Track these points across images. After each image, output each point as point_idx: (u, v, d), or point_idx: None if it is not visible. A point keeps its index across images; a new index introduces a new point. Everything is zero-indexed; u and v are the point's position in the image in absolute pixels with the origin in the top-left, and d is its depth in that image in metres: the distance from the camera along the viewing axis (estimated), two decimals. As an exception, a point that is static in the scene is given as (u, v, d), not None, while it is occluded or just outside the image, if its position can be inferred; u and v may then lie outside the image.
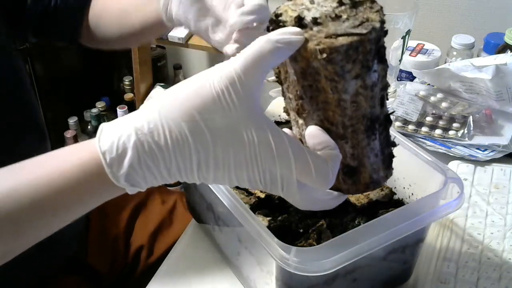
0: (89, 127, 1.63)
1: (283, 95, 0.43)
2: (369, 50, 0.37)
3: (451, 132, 0.74)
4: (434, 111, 0.76)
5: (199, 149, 0.36)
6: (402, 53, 0.83)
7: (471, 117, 0.74)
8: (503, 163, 0.69)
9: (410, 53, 0.89)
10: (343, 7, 0.38)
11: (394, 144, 0.43)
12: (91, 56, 1.68)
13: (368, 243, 0.43)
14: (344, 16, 0.37)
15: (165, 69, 2.05)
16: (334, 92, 0.38)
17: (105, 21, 0.66)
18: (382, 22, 0.37)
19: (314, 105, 0.39)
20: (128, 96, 1.62)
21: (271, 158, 0.36)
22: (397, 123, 0.77)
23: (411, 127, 0.76)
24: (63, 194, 0.37)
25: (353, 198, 0.56)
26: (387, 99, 0.42)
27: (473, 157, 0.70)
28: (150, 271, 0.63)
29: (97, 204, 0.38)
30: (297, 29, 0.37)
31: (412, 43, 0.90)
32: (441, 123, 0.75)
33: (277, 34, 0.36)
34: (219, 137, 0.36)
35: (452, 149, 0.72)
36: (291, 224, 0.53)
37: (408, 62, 0.88)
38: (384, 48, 0.39)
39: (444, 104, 0.76)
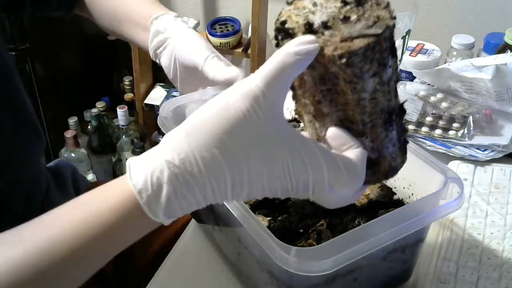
0: (89, 127, 1.63)
1: (296, 99, 0.43)
2: (385, 48, 0.38)
3: (451, 132, 0.74)
4: (434, 111, 0.76)
5: (232, 171, 0.36)
6: (402, 53, 0.83)
7: (471, 117, 0.74)
8: (503, 163, 0.69)
9: (410, 53, 0.89)
10: (348, 7, 0.38)
11: (407, 130, 0.44)
12: (91, 56, 1.68)
13: (368, 243, 0.43)
14: (354, 17, 0.38)
15: (165, 69, 2.04)
16: (353, 93, 0.38)
17: (97, 12, 0.68)
18: (394, 18, 0.38)
19: (333, 107, 0.40)
20: (128, 96, 1.62)
21: (303, 168, 0.37)
22: (397, 123, 0.77)
23: (411, 127, 0.76)
24: (103, 240, 0.36)
25: None
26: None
27: (473, 157, 0.70)
28: (146, 270, 0.63)
29: (135, 240, 0.38)
30: (312, 37, 0.37)
31: (412, 43, 0.90)
32: (441, 123, 0.75)
33: (294, 46, 0.36)
34: (251, 157, 0.36)
35: (452, 149, 0.72)
36: (291, 224, 0.52)
37: (408, 62, 0.88)
38: (395, 41, 0.39)
39: (444, 104, 0.76)
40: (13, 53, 1.40)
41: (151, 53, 0.60)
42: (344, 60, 0.36)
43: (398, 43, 0.81)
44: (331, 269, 0.41)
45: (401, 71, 0.89)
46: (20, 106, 0.65)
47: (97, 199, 0.37)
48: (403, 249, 0.51)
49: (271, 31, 1.67)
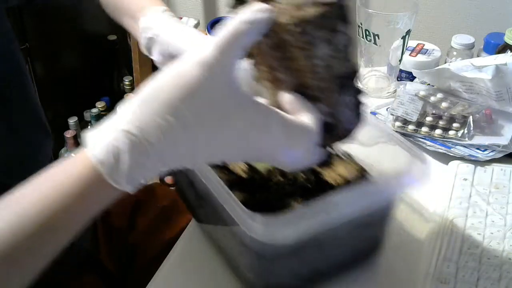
0: (89, 127, 1.63)
1: (254, 67, 0.44)
2: (338, 15, 0.38)
3: (451, 132, 0.74)
4: (434, 111, 0.76)
5: (189, 138, 0.37)
6: (402, 53, 0.83)
7: (471, 117, 0.74)
8: (503, 163, 0.69)
9: (410, 53, 0.89)
10: None
11: (360, 92, 0.45)
12: (91, 56, 1.68)
13: (331, 214, 0.45)
14: None
15: (165, 69, 2.04)
16: (307, 59, 0.39)
17: (103, 0, 0.68)
18: None
19: (288, 73, 0.41)
20: (128, 96, 1.62)
21: (259, 131, 0.38)
22: (397, 123, 0.77)
23: (411, 127, 0.76)
24: (70, 212, 0.37)
25: (330, 178, 0.57)
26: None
27: (473, 157, 0.70)
28: (147, 269, 0.63)
29: (102, 210, 0.39)
30: (266, 6, 0.37)
31: (412, 43, 0.90)
32: (441, 123, 0.75)
33: (248, 14, 0.37)
34: (207, 123, 0.37)
35: (452, 149, 0.72)
36: (268, 201, 0.53)
37: (408, 62, 0.88)
38: (347, 8, 0.40)
39: (444, 104, 0.76)
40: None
41: (142, 49, 0.61)
42: (298, 29, 0.37)
43: (398, 43, 0.81)
44: (295, 237, 0.43)
45: (401, 71, 0.89)
46: (33, 106, 0.65)
47: (60, 173, 0.38)
48: (369, 223, 0.52)
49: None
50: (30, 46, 1.42)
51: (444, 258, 0.56)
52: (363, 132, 0.47)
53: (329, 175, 0.57)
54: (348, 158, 0.60)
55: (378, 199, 0.48)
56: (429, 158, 0.52)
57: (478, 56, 0.92)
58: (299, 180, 0.56)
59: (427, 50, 0.90)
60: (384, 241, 0.58)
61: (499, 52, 0.85)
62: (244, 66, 0.43)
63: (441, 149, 0.72)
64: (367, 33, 0.80)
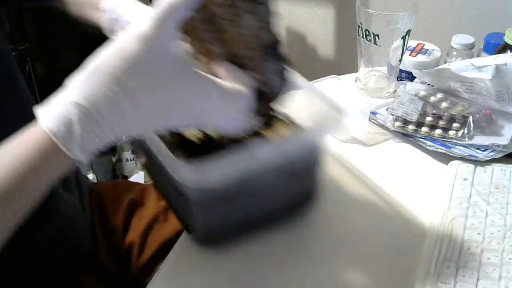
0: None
1: (189, 42, 0.48)
2: None
3: (451, 132, 0.74)
4: (434, 111, 0.76)
5: (134, 106, 0.40)
6: (402, 53, 0.83)
7: (471, 117, 0.74)
8: (503, 163, 0.69)
9: (410, 53, 0.89)
10: None
11: (285, 59, 0.49)
12: (91, 56, 1.68)
13: (253, 160, 0.49)
14: None
15: (165, 69, 2.04)
16: (236, 30, 0.43)
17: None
18: None
19: (220, 45, 0.45)
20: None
21: (197, 97, 0.42)
22: (397, 123, 0.77)
23: (411, 127, 0.76)
24: (27, 181, 0.40)
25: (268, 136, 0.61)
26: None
27: (473, 157, 0.70)
28: (144, 270, 0.63)
29: (58, 177, 0.42)
30: None
31: (412, 43, 0.90)
32: (441, 123, 0.75)
33: None
34: (148, 92, 0.40)
35: (452, 149, 0.72)
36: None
37: (408, 62, 0.88)
38: None
39: (444, 104, 0.76)
40: (13, 53, 1.40)
41: (107, 34, 0.62)
42: (226, 2, 0.41)
43: (398, 43, 0.81)
44: (220, 181, 0.47)
45: (401, 71, 0.89)
46: (28, 104, 0.65)
47: (16, 146, 0.41)
48: (295, 172, 0.56)
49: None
50: (30, 46, 1.42)
51: (444, 258, 0.56)
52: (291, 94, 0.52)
53: (271, 136, 0.60)
54: (287, 119, 0.63)
55: (298, 146, 0.53)
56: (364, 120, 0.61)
57: (478, 56, 0.92)
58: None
59: (427, 50, 0.90)
60: (316, 193, 0.61)
61: (499, 52, 0.85)
62: (180, 41, 0.46)
63: (441, 149, 0.72)
64: (367, 33, 0.80)
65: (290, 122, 0.63)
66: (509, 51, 0.82)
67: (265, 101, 0.49)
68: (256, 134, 0.58)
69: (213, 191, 0.49)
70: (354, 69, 0.89)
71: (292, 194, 0.59)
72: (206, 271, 0.58)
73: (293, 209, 0.61)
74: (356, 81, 0.89)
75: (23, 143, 0.40)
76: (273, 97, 0.49)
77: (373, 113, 0.80)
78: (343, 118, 0.55)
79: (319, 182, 0.60)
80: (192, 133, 0.58)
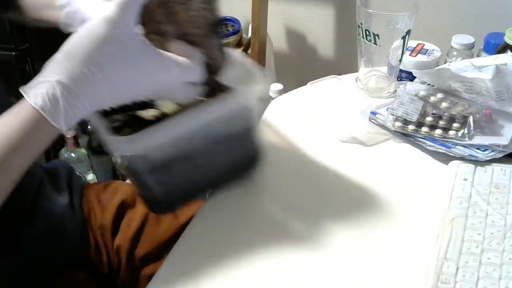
0: (89, 127, 1.63)
1: (144, 25, 0.54)
2: None
3: (451, 132, 0.74)
4: (434, 111, 0.76)
5: (107, 81, 0.46)
6: (402, 53, 0.83)
7: (471, 117, 0.74)
8: (503, 163, 0.69)
9: (410, 53, 0.89)
10: None
11: (222, 36, 0.58)
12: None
13: (184, 127, 0.55)
14: None
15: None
16: (186, 12, 0.51)
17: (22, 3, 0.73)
18: None
19: (173, 26, 0.52)
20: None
21: (162, 72, 0.49)
22: (397, 123, 0.77)
23: (411, 127, 0.76)
24: (18, 151, 0.46)
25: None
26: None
27: (473, 157, 0.70)
28: (132, 274, 0.64)
29: (45, 148, 0.48)
30: None
31: (412, 43, 0.90)
32: (441, 123, 0.75)
33: None
34: (120, 68, 0.46)
35: (452, 149, 0.72)
36: None
37: (408, 62, 0.88)
38: None
39: (444, 104, 0.76)
40: (13, 53, 1.40)
41: (66, 30, 0.66)
42: None
43: (398, 43, 0.81)
44: (153, 150, 0.53)
45: (401, 71, 0.89)
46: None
47: (6, 121, 0.46)
48: (231, 135, 0.60)
49: (271, 31, 1.67)
50: (30, 46, 1.42)
51: (444, 258, 0.56)
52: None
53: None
54: (228, 89, 0.67)
55: (227, 110, 0.57)
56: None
57: (478, 56, 0.92)
58: None
59: (427, 50, 0.90)
60: (259, 156, 0.67)
61: (499, 52, 0.85)
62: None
63: (441, 149, 0.72)
64: (367, 33, 0.80)
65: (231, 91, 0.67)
66: (509, 51, 0.82)
67: (210, 72, 0.56)
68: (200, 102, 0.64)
69: (151, 161, 0.55)
70: (354, 69, 0.89)
71: (232, 157, 0.64)
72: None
73: (238, 173, 0.66)
74: (356, 81, 0.89)
75: (13, 120, 0.46)
76: (217, 69, 0.57)
77: (373, 113, 0.80)
78: (264, 80, 0.61)
79: (258, 144, 0.65)
80: (148, 113, 0.63)
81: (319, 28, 1.77)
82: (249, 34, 1.61)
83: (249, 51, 1.59)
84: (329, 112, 0.79)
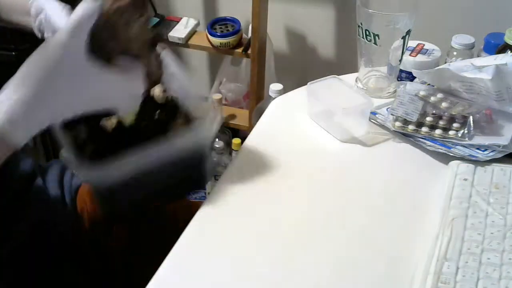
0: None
1: (92, 44, 0.57)
2: (141, 1, 0.57)
3: (451, 132, 0.74)
4: (434, 111, 0.76)
5: (59, 100, 0.51)
6: (402, 53, 0.83)
7: (471, 117, 0.74)
8: (503, 163, 0.69)
9: (410, 53, 0.89)
10: None
11: (160, 52, 0.64)
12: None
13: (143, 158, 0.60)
14: None
15: (165, 69, 2.04)
16: (127, 32, 0.56)
17: None
18: None
19: (117, 43, 0.56)
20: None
21: (107, 89, 0.54)
22: (397, 123, 0.77)
23: (411, 127, 0.76)
24: None
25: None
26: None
27: (473, 157, 0.70)
28: (127, 276, 0.65)
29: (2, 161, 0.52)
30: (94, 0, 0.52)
31: (412, 43, 0.90)
32: (441, 123, 0.75)
33: (86, 6, 0.52)
34: (69, 86, 0.51)
35: (452, 149, 0.72)
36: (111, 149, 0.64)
37: (408, 62, 0.88)
38: None
39: (444, 104, 0.76)
40: (13, 53, 1.40)
41: (36, 32, 0.71)
42: (119, 12, 0.54)
43: (398, 43, 0.81)
44: (107, 179, 0.59)
45: (401, 71, 0.89)
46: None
47: None
48: (184, 165, 0.65)
49: (271, 31, 1.67)
50: (30, 46, 1.42)
51: (444, 258, 0.56)
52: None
53: (174, 126, 0.71)
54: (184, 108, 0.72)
55: (185, 144, 0.63)
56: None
57: (478, 56, 0.92)
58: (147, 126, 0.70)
59: (427, 50, 0.90)
60: (203, 182, 0.74)
61: (499, 52, 0.85)
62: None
63: (441, 149, 0.72)
64: (367, 33, 0.80)
65: (188, 113, 0.71)
66: (509, 51, 0.82)
67: (151, 83, 0.62)
68: (158, 124, 0.70)
69: (109, 183, 0.61)
70: (354, 69, 0.89)
71: (181, 183, 0.70)
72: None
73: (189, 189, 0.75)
74: (356, 81, 0.89)
75: None
76: (156, 81, 0.64)
77: (373, 113, 0.80)
78: (217, 114, 0.65)
79: (206, 173, 0.70)
80: (111, 121, 0.68)
81: (319, 28, 1.77)
82: (249, 34, 1.61)
83: (249, 51, 1.59)
84: (329, 112, 0.79)
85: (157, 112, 0.71)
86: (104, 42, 0.57)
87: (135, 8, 0.57)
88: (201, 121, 0.66)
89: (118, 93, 0.56)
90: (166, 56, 0.65)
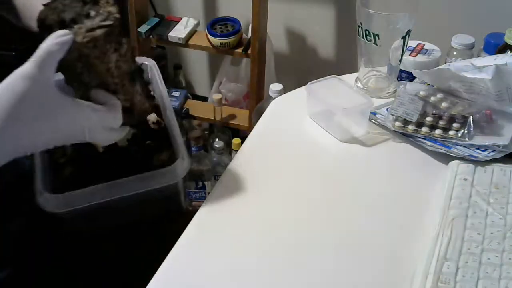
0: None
1: (66, 77, 0.59)
2: (118, 32, 0.55)
3: (451, 132, 0.74)
4: (434, 111, 0.76)
5: (28, 132, 0.50)
6: (402, 53, 0.83)
7: (471, 117, 0.74)
8: (503, 163, 0.69)
9: (410, 53, 0.89)
10: (87, 6, 0.56)
11: (149, 83, 0.66)
12: None
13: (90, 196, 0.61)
14: (93, 13, 0.55)
15: (165, 69, 2.04)
16: (102, 64, 0.55)
17: None
18: (118, 12, 0.56)
19: (91, 76, 0.56)
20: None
21: (79, 120, 0.53)
22: (397, 123, 0.77)
23: (411, 127, 0.76)
24: None
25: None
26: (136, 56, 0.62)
27: (473, 157, 0.70)
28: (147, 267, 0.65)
29: None
30: (65, 31, 0.52)
31: (412, 43, 0.90)
32: (441, 123, 0.75)
33: (54, 38, 0.51)
34: (38, 119, 0.50)
35: (452, 149, 0.72)
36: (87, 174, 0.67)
37: (408, 62, 0.88)
38: (123, 26, 0.57)
39: (444, 104, 0.76)
40: (13, 53, 1.40)
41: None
42: (91, 44, 0.53)
43: (398, 43, 0.81)
44: (68, 208, 0.60)
45: (401, 71, 0.89)
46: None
47: None
48: (145, 199, 0.65)
49: (271, 31, 1.67)
50: (30, 46, 1.42)
51: (444, 258, 0.56)
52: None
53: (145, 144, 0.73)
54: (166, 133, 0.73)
55: (157, 182, 0.64)
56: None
57: (478, 56, 0.92)
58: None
59: (427, 50, 0.90)
60: (181, 205, 0.74)
61: (499, 52, 0.85)
62: (58, 77, 0.56)
63: (441, 149, 0.72)
64: (367, 33, 0.80)
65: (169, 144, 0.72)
66: (509, 51, 0.82)
67: (134, 117, 0.62)
68: (147, 152, 0.71)
69: (71, 212, 0.61)
70: (354, 69, 0.89)
71: (156, 209, 0.72)
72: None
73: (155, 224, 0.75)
74: (356, 81, 0.89)
75: None
76: (141, 113, 0.64)
77: (373, 113, 0.80)
78: (184, 162, 0.65)
79: (178, 205, 0.73)
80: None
81: (319, 28, 1.77)
82: (249, 34, 1.61)
83: (249, 51, 1.59)
84: (329, 112, 0.79)
85: (148, 142, 0.72)
86: (79, 75, 0.56)
87: (111, 40, 0.55)
88: (176, 164, 0.65)
89: (92, 126, 0.54)
90: (153, 75, 0.65)
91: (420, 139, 0.75)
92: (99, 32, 0.53)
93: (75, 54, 0.53)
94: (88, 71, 0.56)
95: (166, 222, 0.75)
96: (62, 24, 0.54)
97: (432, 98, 0.77)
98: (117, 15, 0.55)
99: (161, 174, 0.64)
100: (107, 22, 0.54)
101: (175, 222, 0.69)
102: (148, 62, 0.79)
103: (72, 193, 0.60)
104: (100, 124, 0.55)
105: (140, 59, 0.69)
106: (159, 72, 0.79)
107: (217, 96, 1.65)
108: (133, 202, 0.64)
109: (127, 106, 0.60)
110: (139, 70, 0.62)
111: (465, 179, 0.67)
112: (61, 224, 0.65)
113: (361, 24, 0.80)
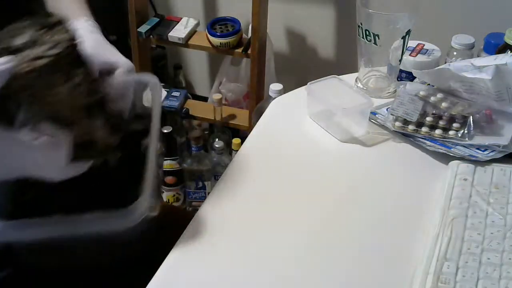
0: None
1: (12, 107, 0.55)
2: (66, 62, 0.51)
3: (451, 132, 0.74)
4: (434, 111, 0.76)
5: None
6: (402, 53, 0.83)
7: (471, 117, 0.74)
8: (503, 163, 0.69)
9: (410, 53, 0.89)
10: (42, 31, 0.51)
11: (112, 115, 0.57)
12: None
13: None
14: (42, 40, 0.50)
15: (165, 69, 2.04)
16: (52, 96, 0.50)
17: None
18: (71, 39, 0.52)
19: (41, 108, 0.51)
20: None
21: (21, 156, 0.51)
22: (397, 123, 0.77)
23: (411, 127, 0.76)
24: None
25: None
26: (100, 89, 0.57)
27: (473, 157, 0.70)
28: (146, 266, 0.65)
29: None
30: (6, 59, 0.48)
31: (412, 43, 0.90)
32: (441, 123, 0.75)
33: None
34: None
35: (452, 149, 0.72)
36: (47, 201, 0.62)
37: (408, 62, 0.88)
38: (80, 55, 0.54)
39: (444, 104, 0.76)
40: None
41: None
42: (34, 74, 0.49)
43: (398, 43, 0.81)
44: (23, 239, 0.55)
45: (401, 71, 0.89)
46: None
47: None
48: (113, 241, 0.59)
49: (271, 31, 1.67)
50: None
51: (444, 258, 0.56)
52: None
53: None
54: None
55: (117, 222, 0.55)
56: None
57: (478, 56, 0.92)
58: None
59: (427, 50, 0.90)
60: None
61: (499, 52, 0.85)
62: None
63: (441, 149, 0.72)
64: (367, 33, 0.80)
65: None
66: (509, 51, 0.82)
67: (95, 151, 0.57)
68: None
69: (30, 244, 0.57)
70: (354, 69, 0.89)
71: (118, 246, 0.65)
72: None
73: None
74: (356, 81, 0.89)
75: None
76: (105, 147, 0.58)
77: (373, 113, 0.80)
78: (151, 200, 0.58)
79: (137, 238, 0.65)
80: None
81: (319, 28, 1.77)
82: (249, 34, 1.61)
83: (249, 51, 1.59)
84: (329, 112, 0.79)
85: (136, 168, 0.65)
86: (23, 107, 0.51)
87: (58, 70, 0.50)
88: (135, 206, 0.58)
89: (37, 161, 0.52)
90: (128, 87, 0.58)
91: (420, 139, 0.75)
92: (42, 61, 0.49)
93: (19, 83, 0.49)
94: (34, 102, 0.51)
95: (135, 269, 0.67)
96: (8, 51, 0.50)
97: (432, 98, 0.77)
98: (69, 43, 0.51)
99: (117, 214, 0.55)
100: (53, 51, 0.50)
101: (175, 226, 0.67)
102: (151, 80, 0.67)
103: (10, 222, 0.54)
104: (45, 159, 0.52)
105: (143, 76, 0.65)
106: (161, 93, 0.72)
107: (217, 96, 1.65)
108: (86, 243, 0.59)
109: (86, 140, 0.55)
110: (99, 103, 0.56)
111: (465, 179, 0.67)
112: (12, 256, 0.62)
113: (361, 24, 0.80)
